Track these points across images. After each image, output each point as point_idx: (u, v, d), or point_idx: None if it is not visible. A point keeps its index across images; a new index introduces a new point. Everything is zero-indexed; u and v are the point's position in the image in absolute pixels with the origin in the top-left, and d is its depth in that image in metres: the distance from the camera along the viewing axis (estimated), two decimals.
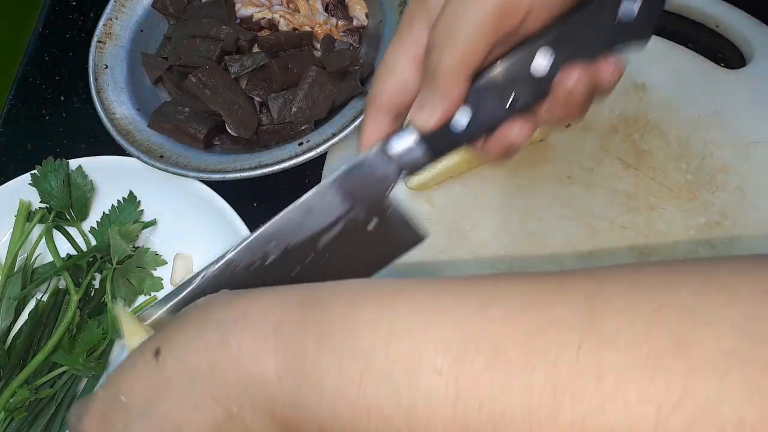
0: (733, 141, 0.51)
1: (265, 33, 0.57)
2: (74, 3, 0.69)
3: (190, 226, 0.53)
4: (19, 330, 0.48)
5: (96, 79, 0.56)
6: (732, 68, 0.54)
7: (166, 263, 0.53)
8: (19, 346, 0.48)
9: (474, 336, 0.26)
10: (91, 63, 0.56)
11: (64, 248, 0.52)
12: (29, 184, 0.52)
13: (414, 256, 0.49)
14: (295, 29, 0.57)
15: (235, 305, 0.32)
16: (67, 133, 0.62)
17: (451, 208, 0.51)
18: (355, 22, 0.58)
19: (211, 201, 0.51)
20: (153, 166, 0.51)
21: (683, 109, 0.52)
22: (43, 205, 0.52)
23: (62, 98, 0.64)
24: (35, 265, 0.52)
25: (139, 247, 0.53)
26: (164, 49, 0.58)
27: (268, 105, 0.53)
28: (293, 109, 0.52)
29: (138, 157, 0.51)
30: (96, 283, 0.51)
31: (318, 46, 0.57)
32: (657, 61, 0.54)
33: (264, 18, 0.57)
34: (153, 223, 0.53)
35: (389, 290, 0.29)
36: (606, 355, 0.23)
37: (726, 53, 0.56)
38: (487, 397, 0.25)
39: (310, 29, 0.57)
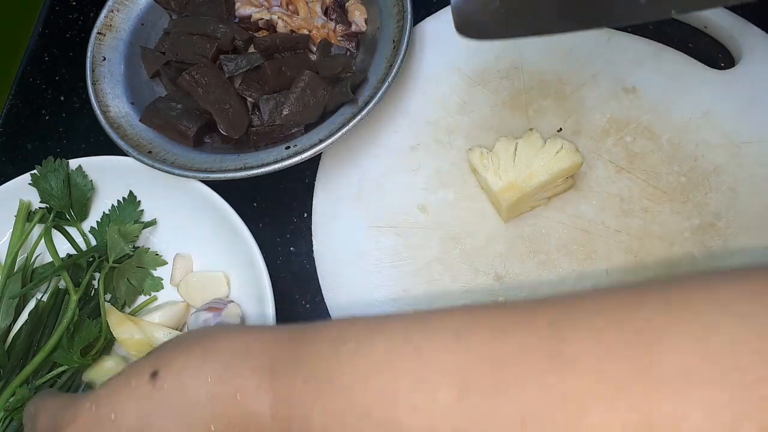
0: (725, 141, 0.51)
1: (262, 33, 0.58)
2: (74, 3, 0.69)
3: (190, 226, 0.53)
4: (19, 330, 0.49)
5: (93, 71, 0.55)
6: (721, 69, 0.54)
7: (166, 263, 0.53)
8: (19, 346, 0.48)
9: (446, 369, 0.27)
10: (89, 54, 0.56)
11: (64, 248, 0.53)
12: (29, 184, 0.52)
13: (410, 263, 0.50)
14: (292, 31, 0.57)
15: (239, 339, 0.34)
16: (67, 133, 0.63)
17: (445, 216, 0.52)
18: (353, 28, 0.58)
19: (211, 201, 0.51)
20: (140, 161, 0.51)
21: (674, 111, 0.53)
22: (43, 205, 0.53)
23: (62, 98, 0.65)
24: (35, 265, 0.52)
25: (139, 247, 0.53)
26: (163, 43, 0.58)
27: (260, 106, 0.53)
28: (284, 112, 0.52)
29: (126, 151, 0.51)
30: (96, 283, 0.52)
31: (314, 50, 0.57)
32: (646, 64, 0.55)
33: (262, 19, 0.57)
34: (153, 223, 0.54)
35: (369, 328, 0.31)
36: (570, 380, 0.24)
37: (715, 54, 0.56)
38: (461, 429, 0.26)
39: (307, 32, 0.57)
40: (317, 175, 0.55)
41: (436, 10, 0.60)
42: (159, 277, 0.53)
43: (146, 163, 0.51)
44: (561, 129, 0.53)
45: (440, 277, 0.50)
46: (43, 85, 0.65)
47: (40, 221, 0.52)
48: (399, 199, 0.53)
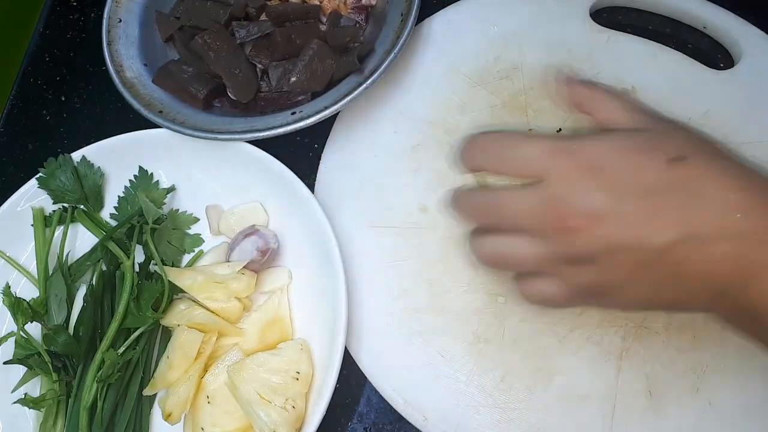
0: (724, 141, 0.51)
1: (274, 2, 0.58)
2: (75, 3, 0.69)
3: (206, 179, 0.55)
4: (78, 317, 0.50)
5: (108, 32, 0.57)
6: (721, 69, 0.55)
7: (199, 219, 0.54)
8: (84, 332, 0.48)
9: None
10: (105, 15, 0.57)
11: (86, 236, 0.54)
12: (38, 187, 0.53)
13: (410, 263, 0.50)
14: (304, 2, 0.58)
15: None
16: (68, 133, 0.63)
17: (445, 216, 0.52)
18: (364, 1, 0.58)
19: (221, 146, 0.53)
20: (151, 120, 0.52)
21: (673, 111, 0.52)
22: (55, 206, 0.53)
23: (63, 98, 0.65)
24: (69, 263, 0.53)
25: (170, 210, 0.54)
26: (178, 8, 0.59)
27: (269, 72, 0.55)
28: (292, 79, 0.53)
29: (138, 110, 0.52)
30: (137, 257, 0.52)
31: (324, 20, 0.58)
32: (646, 64, 0.55)
33: None
34: (172, 189, 0.55)
35: None
36: None
37: (714, 54, 0.57)
38: None
39: (318, 3, 0.58)
40: (317, 175, 0.55)
41: (437, 11, 0.60)
42: (196, 234, 0.54)
43: (157, 123, 0.52)
44: (560, 129, 0.53)
45: (440, 277, 0.50)
46: (44, 86, 0.65)
47: (60, 222, 0.53)
48: (399, 199, 0.53)
